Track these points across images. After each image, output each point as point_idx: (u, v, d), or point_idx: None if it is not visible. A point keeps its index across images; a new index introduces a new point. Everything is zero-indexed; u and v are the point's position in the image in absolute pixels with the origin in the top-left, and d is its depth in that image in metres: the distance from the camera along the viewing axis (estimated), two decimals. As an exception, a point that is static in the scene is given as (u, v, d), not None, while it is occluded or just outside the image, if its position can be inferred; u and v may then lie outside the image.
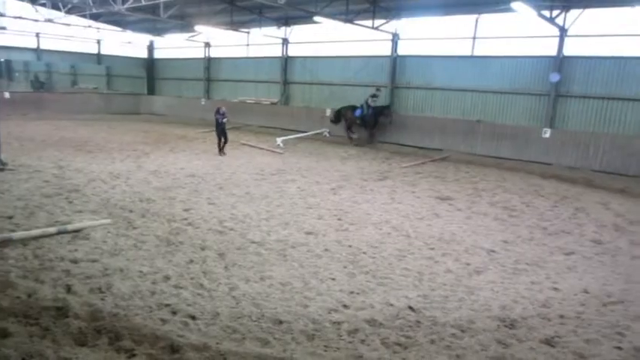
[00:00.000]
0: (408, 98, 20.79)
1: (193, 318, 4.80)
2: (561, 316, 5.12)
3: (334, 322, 4.84)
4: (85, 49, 31.55)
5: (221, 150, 15.94)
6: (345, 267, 6.43)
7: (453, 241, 7.74)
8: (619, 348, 4.44)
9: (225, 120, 15.72)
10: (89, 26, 28.92)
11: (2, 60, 28.94)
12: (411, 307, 5.25)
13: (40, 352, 3.95)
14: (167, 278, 5.78)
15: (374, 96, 19.54)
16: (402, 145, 19.48)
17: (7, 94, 23.49)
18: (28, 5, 25.43)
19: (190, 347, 4.17)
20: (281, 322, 4.79)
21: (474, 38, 18.51)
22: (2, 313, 4.56)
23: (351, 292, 5.62)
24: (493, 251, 7.32)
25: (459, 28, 18.79)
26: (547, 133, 16.22)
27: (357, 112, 19.64)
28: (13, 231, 7.06)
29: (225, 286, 5.64)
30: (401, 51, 20.77)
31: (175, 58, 32.68)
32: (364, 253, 7.01)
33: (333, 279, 6.00)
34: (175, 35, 30.14)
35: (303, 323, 4.79)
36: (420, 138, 19.27)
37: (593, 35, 15.64)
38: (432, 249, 7.33)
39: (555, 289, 5.92)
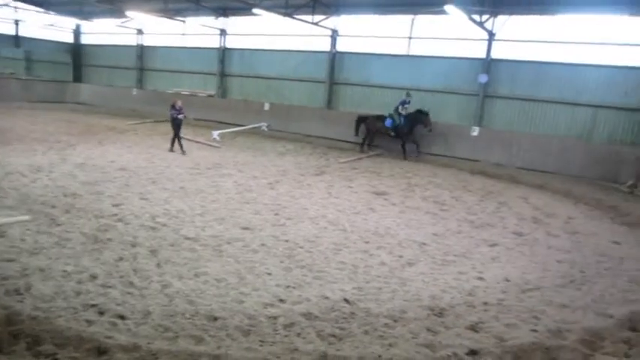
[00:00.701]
0: (347, 94, 21.10)
1: (122, 318, 4.62)
2: (485, 304, 5.43)
3: (270, 317, 4.84)
4: (1, 30, 28.98)
5: (173, 146, 14.85)
6: (281, 262, 6.44)
7: (388, 235, 7.97)
8: (535, 330, 4.78)
9: (181, 116, 14.58)
10: (6, 5, 26.63)
11: None
12: (346, 300, 5.36)
13: None
14: (94, 277, 5.49)
15: (404, 103, 17.22)
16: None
17: None
18: None
19: (119, 348, 4.02)
20: (216, 319, 4.72)
21: (410, 38, 19.10)
22: None
23: (288, 287, 5.64)
24: (424, 244, 7.62)
25: (396, 27, 19.32)
26: (475, 132, 17.09)
27: (388, 123, 17.27)
28: None
29: (158, 283, 5.47)
30: (340, 47, 21.03)
31: (105, 44, 30.99)
32: (301, 247, 7.05)
33: (270, 274, 6.00)
34: (105, 20, 28.53)
35: (239, 319, 4.75)
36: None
37: (519, 40, 16.69)
38: (367, 242, 7.51)
39: (480, 278, 6.28)
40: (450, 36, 18.00)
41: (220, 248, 6.78)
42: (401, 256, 6.97)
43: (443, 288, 5.87)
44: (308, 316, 4.92)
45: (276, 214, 8.74)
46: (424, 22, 18.61)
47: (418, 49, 19.01)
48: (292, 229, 7.95)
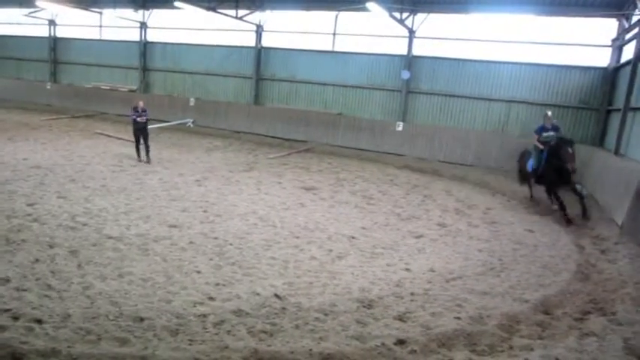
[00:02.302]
0: (273, 90, 21.02)
1: (40, 322, 4.38)
2: (412, 294, 5.64)
3: (199, 315, 4.75)
4: None
5: (140, 155, 13.13)
6: (210, 259, 6.31)
7: (317, 229, 8.05)
8: (458, 318, 5.03)
9: (142, 119, 12.95)
10: None
11: None
12: (276, 295, 5.35)
13: None
14: (6, 281, 5.16)
15: (544, 130, 10.51)
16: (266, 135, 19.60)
17: None
18: None
19: (36, 353, 3.83)
20: (142, 320, 4.57)
21: (334, 34, 19.37)
22: None
23: (217, 284, 5.55)
24: (353, 237, 7.78)
25: (320, 23, 19.51)
26: (400, 127, 17.69)
27: (530, 166, 10.93)
28: None
29: (78, 285, 5.19)
30: (265, 43, 20.88)
31: (13, 35, 28.55)
32: (230, 244, 6.95)
33: (199, 272, 5.86)
34: (11, 10, 26.31)
35: (166, 319, 4.63)
36: (285, 130, 19.58)
37: (437, 38, 17.46)
38: (298, 238, 7.55)
39: (407, 269, 6.51)
40: (373, 33, 18.47)
41: (146, 247, 6.54)
42: (331, 250, 7.07)
43: (372, 280, 6.02)
44: (238, 313, 4.87)
45: (205, 212, 8.55)
46: (348, 18, 18.94)
47: (343, 45, 19.34)
48: (221, 226, 7.81)
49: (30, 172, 10.41)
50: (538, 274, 6.54)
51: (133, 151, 14.40)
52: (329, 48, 19.55)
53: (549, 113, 10.88)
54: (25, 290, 4.98)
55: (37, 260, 5.76)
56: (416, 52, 17.79)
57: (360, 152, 17.45)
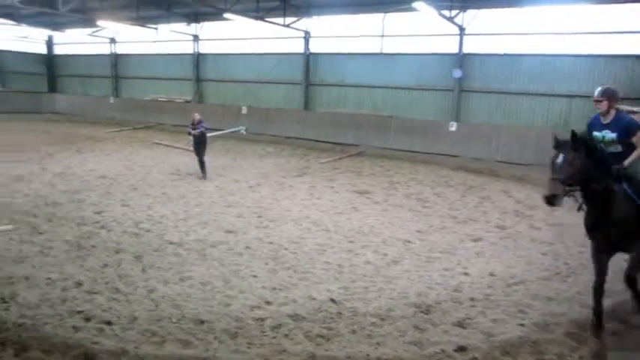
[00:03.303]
0: (323, 95, 21.13)
1: (109, 323, 4.61)
2: (471, 299, 5.46)
3: (257, 319, 4.82)
4: (-28, 43, 28.45)
5: (203, 171, 12.26)
6: (266, 264, 6.40)
7: (371, 234, 7.97)
8: (522, 325, 4.82)
9: (198, 132, 12.17)
10: (-24, 19, 26.13)
11: None
12: (332, 300, 5.33)
13: None
14: (79, 284, 5.48)
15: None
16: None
17: None
18: None
19: (106, 353, 4.02)
20: (202, 322, 4.70)
21: (382, 36, 19.22)
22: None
23: (274, 289, 5.61)
24: (409, 241, 7.64)
25: (367, 26, 19.44)
26: (453, 127, 17.27)
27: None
28: None
29: (143, 288, 5.42)
30: (313, 49, 21.04)
31: (79, 54, 30.53)
32: (285, 249, 7.01)
33: (255, 276, 5.95)
34: (77, 30, 28.09)
35: (226, 322, 4.73)
36: (336, 134, 19.61)
37: (489, 34, 16.91)
38: (352, 242, 7.50)
39: (466, 274, 6.31)
40: (422, 32, 18.17)
41: (205, 252, 6.72)
42: (386, 255, 6.97)
43: (429, 285, 5.88)
44: (295, 317, 4.90)
45: (260, 217, 8.69)
46: (395, 19, 18.74)
47: (391, 47, 19.15)
48: (276, 230, 7.90)
49: (97, 182, 11.01)
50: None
51: (189, 159, 14.90)
52: (377, 50, 19.43)
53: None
54: (95, 293, 5.26)
55: (105, 265, 6.07)
56: (467, 49, 17.32)
57: (413, 154, 17.18)
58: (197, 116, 12.38)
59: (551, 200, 4.19)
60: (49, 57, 31.85)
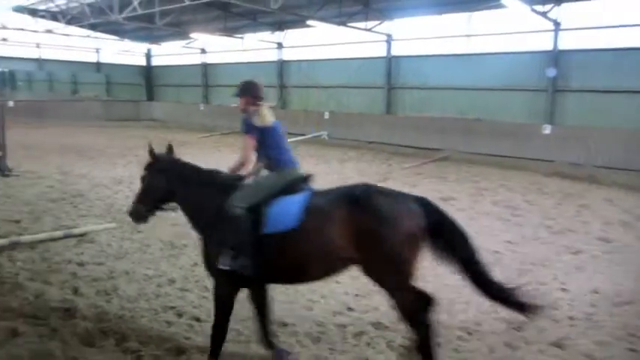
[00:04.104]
0: (406, 99, 20.75)
1: (199, 320, 4.81)
2: (570, 318, 5.00)
3: (339, 325, 4.79)
4: (85, 58, 31.73)
5: None
6: (349, 270, 6.31)
7: (457, 242, 7.61)
8: (632, 350, 4.32)
9: None
10: (88, 36, 29.13)
11: (5, 70, 29.03)
12: (416, 310, 5.15)
13: (49, 352, 3.98)
14: (172, 281, 5.79)
15: None
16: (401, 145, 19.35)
17: (10, 103, 23.50)
18: (29, 17, 25.56)
19: (196, 349, 4.18)
20: (285, 325, 4.75)
21: (468, 36, 18.50)
22: (11, 314, 4.61)
23: (356, 295, 5.54)
24: (498, 252, 7.19)
25: (451, 26, 18.82)
26: (547, 130, 16.12)
27: None
28: (20, 235, 7.11)
29: (230, 288, 5.58)
30: (395, 52, 20.77)
31: (173, 65, 32.78)
32: (367, 256, 6.90)
33: (337, 282, 5.88)
34: (172, 43, 30.27)
35: (308, 326, 4.75)
36: (419, 138, 19.14)
37: (589, 28, 15.60)
38: (436, 250, 7.21)
39: (563, 289, 5.80)
40: (512, 30, 17.22)
41: (289, 255, 6.79)
42: (473, 265, 6.61)
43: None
44: (377, 325, 4.80)
45: (341, 223, 8.63)
46: (482, 18, 17.95)
47: (477, 46, 18.35)
48: (357, 237, 7.80)
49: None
50: None
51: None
52: (462, 51, 18.73)
53: None
54: (187, 290, 5.52)
55: (195, 264, 6.31)
56: (562, 45, 16.13)
57: (502, 159, 16.29)
58: None
59: None
60: (148, 68, 34.51)
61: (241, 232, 3.67)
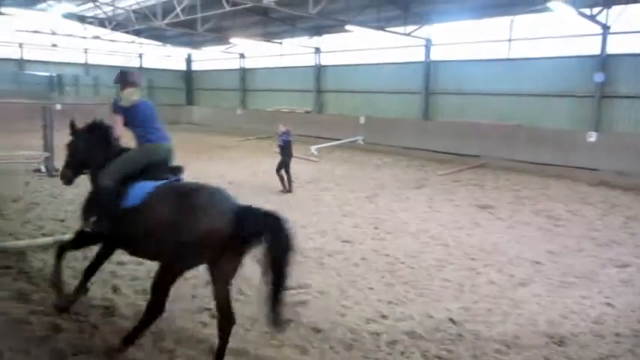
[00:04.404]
0: (444, 104, 20.46)
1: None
2: (617, 334, 4.79)
3: (372, 333, 4.73)
4: (129, 63, 32.83)
5: (289, 185, 11.52)
6: (382, 277, 6.27)
7: (495, 252, 7.44)
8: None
9: (281, 142, 11.68)
10: (132, 41, 30.16)
11: (54, 75, 30.36)
12: (452, 320, 5.04)
13: (89, 348, 4.10)
14: (207, 283, 5.78)
15: None
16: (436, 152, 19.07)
17: (58, 106, 24.60)
18: (77, 24, 26.70)
19: (229, 351, 4.17)
20: (319, 331, 4.72)
21: (510, 40, 18.08)
22: (55, 310, 4.73)
23: (390, 303, 5.46)
24: (538, 263, 6.98)
25: (493, 30, 18.45)
26: (593, 137, 15.55)
27: None
28: (64, 233, 7.29)
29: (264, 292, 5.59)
30: (434, 56, 20.50)
31: (212, 69, 33.47)
32: (402, 262, 6.82)
33: (371, 288, 5.86)
34: (212, 48, 30.88)
35: (341, 332, 4.70)
36: (456, 144, 18.81)
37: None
38: (473, 259, 7.06)
39: (609, 304, 5.56)
40: (555, 34, 16.72)
41: (322, 261, 6.78)
42: (512, 276, 6.44)
43: (563, 313, 5.28)
44: (411, 334, 4.71)
45: (376, 228, 8.58)
46: (524, 21, 17.50)
47: (519, 51, 17.90)
48: (393, 243, 7.73)
49: (225, 187, 11.71)
50: None
51: (308, 167, 15.35)
52: (503, 55, 18.32)
53: None
54: (220, 292, 5.57)
55: (234, 267, 6.40)
56: (611, 50, 15.53)
57: (543, 167, 15.82)
58: (281, 127, 11.87)
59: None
60: (188, 73, 35.38)
61: (103, 202, 4.30)
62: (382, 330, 4.78)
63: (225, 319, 4.01)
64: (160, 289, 3.95)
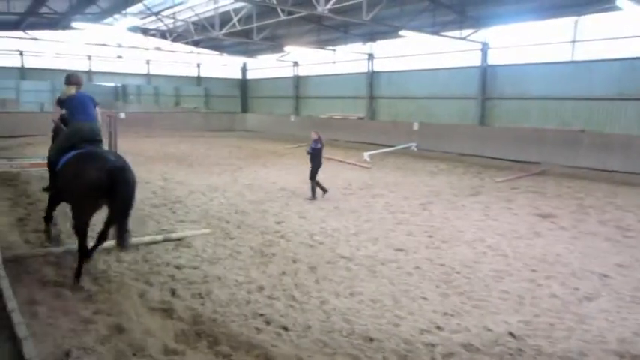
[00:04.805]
0: (501, 109, 19.83)
1: (286, 329, 4.84)
2: (695, 354, 4.44)
3: (427, 344, 4.62)
4: (187, 73, 34.19)
5: (323, 189, 11.48)
6: (437, 286, 6.13)
7: (558, 263, 7.10)
8: None
9: (309, 150, 11.54)
10: (191, 52, 31.41)
11: (119, 85, 32.12)
12: (511, 334, 4.85)
13: (149, 349, 4.25)
14: (261, 288, 5.90)
15: None
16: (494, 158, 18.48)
17: (122, 115, 26.02)
18: (141, 36, 28.15)
19: (283, 358, 4.21)
20: (372, 340, 4.66)
21: (574, 42, 17.27)
22: (118, 310, 4.96)
23: (445, 314, 5.33)
24: (606, 276, 6.59)
25: (554, 32, 17.70)
26: (666, 143, 14.55)
27: None
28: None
29: (316, 299, 5.61)
30: (491, 60, 19.91)
31: (266, 77, 34.17)
32: (458, 272, 6.64)
33: (425, 298, 5.74)
34: (266, 56, 31.59)
35: (395, 342, 4.63)
36: (515, 151, 18.14)
37: None
38: (534, 271, 6.76)
39: (688, 322, 5.17)
40: (625, 34, 15.79)
41: (375, 269, 6.72)
42: (576, 289, 6.11)
43: (635, 330, 4.96)
44: (468, 347, 4.57)
45: (430, 236, 8.42)
46: (590, 22, 16.66)
47: (584, 53, 17.05)
48: (448, 252, 7.55)
49: (278, 193, 11.98)
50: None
51: (361, 174, 15.28)
52: (566, 58, 17.52)
53: None
54: (274, 299, 5.60)
55: (283, 272, 6.46)
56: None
57: (610, 174, 14.96)
58: (313, 135, 11.54)
59: None
60: (243, 81, 36.33)
61: (50, 170, 6.40)
62: (437, 341, 4.66)
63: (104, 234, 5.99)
64: (79, 227, 5.69)
